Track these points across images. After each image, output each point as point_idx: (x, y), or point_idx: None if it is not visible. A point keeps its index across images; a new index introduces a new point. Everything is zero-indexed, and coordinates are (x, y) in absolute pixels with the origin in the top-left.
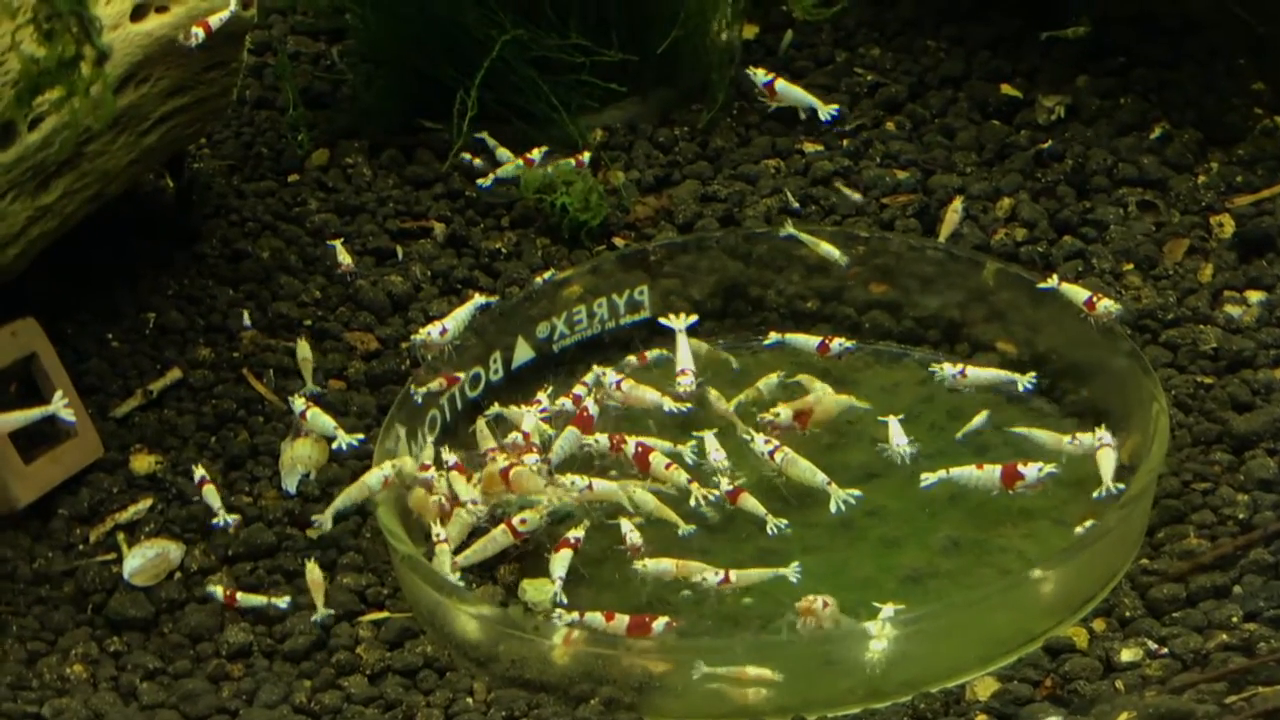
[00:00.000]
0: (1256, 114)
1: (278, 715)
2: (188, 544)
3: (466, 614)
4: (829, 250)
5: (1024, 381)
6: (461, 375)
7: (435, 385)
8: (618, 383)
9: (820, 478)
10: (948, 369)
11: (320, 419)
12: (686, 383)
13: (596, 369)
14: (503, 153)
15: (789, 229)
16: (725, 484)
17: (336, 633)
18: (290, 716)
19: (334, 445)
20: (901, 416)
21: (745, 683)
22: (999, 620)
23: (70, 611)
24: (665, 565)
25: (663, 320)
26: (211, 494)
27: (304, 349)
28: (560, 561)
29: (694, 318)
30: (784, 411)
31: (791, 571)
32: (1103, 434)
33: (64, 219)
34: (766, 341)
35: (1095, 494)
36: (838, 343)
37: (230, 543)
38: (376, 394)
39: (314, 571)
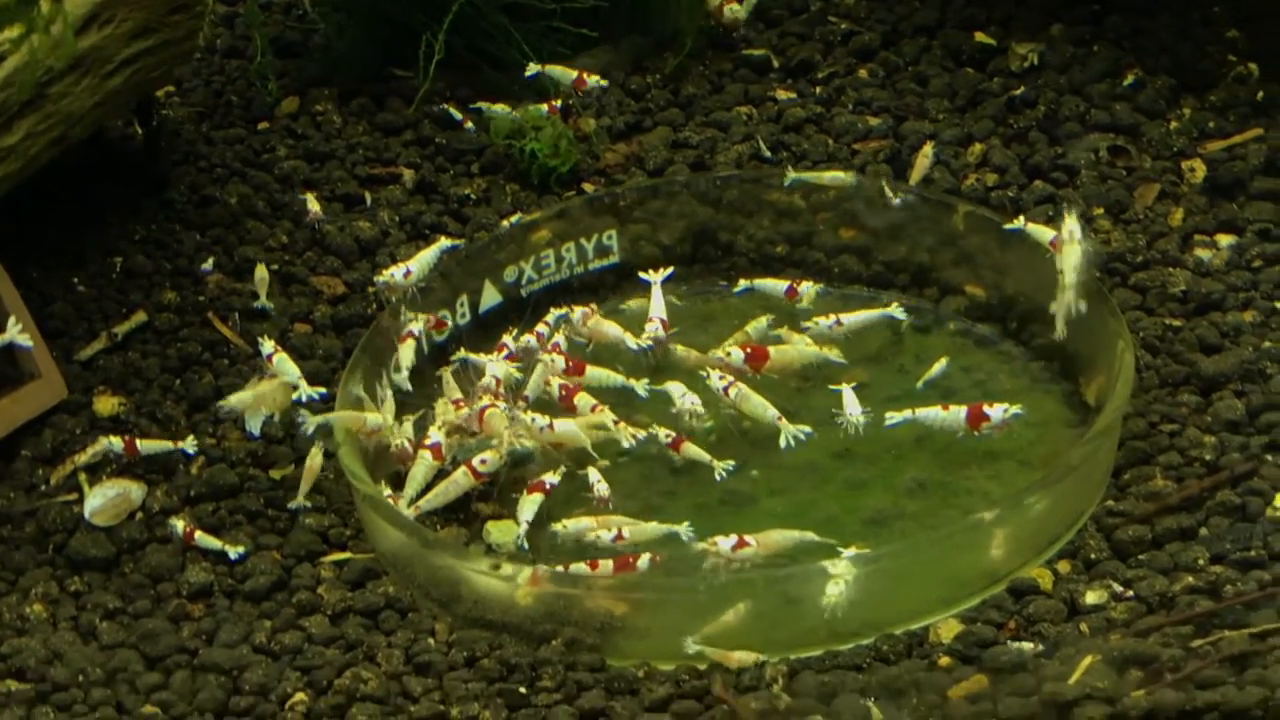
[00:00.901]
0: (1230, 61)
1: (237, 655)
2: (149, 485)
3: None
4: (834, 176)
5: (896, 310)
6: (449, 320)
7: (424, 321)
8: (584, 317)
9: (771, 413)
10: (821, 323)
11: (286, 365)
12: (653, 329)
13: (556, 310)
14: (500, 108)
15: (792, 175)
16: (663, 435)
17: (298, 573)
18: (250, 656)
19: (295, 395)
20: (855, 385)
21: (730, 662)
22: (961, 561)
23: (31, 551)
24: (585, 523)
25: (641, 274)
26: (153, 445)
27: (261, 270)
28: (529, 505)
29: (670, 270)
30: (735, 352)
31: (684, 530)
32: (1071, 224)
33: (28, 161)
34: (736, 289)
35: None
36: (806, 285)
37: (192, 483)
38: (342, 337)
39: (315, 457)
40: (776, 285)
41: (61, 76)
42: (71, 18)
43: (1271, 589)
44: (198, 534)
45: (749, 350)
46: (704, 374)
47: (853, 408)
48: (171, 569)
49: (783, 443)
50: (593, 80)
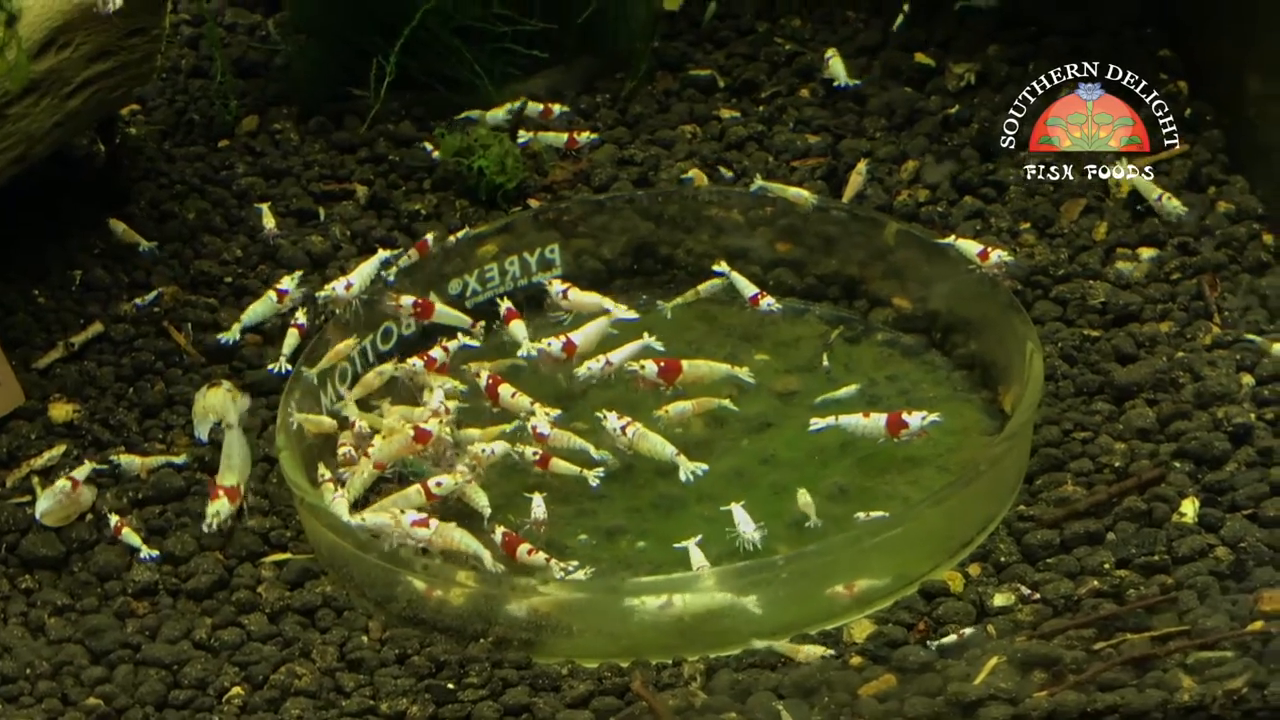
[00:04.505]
0: (1162, 79)
1: (178, 650)
2: (99, 488)
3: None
4: (797, 194)
5: (653, 340)
6: (435, 300)
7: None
8: (564, 292)
9: (669, 451)
10: (593, 366)
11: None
12: (557, 346)
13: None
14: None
15: (759, 183)
16: (530, 453)
17: (239, 573)
18: (190, 651)
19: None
20: (743, 503)
21: (798, 655)
22: (874, 563)
23: None
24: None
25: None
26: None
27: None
28: (478, 495)
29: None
30: (649, 365)
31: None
32: None
33: None
34: (716, 268)
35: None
36: (767, 301)
37: (141, 487)
38: None
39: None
40: (747, 286)
41: (20, 98)
42: (30, 41)
43: (1173, 593)
44: (124, 530)
45: (662, 364)
46: (599, 416)
47: (746, 525)
48: (118, 568)
49: (682, 477)
50: (584, 137)
